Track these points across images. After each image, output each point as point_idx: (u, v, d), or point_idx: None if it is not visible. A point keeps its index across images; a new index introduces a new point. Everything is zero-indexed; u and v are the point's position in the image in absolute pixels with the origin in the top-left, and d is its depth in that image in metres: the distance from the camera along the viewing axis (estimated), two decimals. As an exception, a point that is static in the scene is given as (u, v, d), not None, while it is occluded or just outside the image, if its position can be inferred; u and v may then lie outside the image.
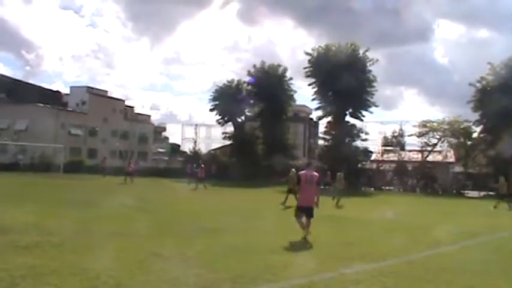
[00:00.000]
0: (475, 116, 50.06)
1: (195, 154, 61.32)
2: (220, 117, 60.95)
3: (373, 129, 57.95)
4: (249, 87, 59.62)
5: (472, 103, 49.45)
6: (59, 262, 8.95)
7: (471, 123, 51.13)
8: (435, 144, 53.27)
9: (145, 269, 8.85)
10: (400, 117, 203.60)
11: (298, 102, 66.45)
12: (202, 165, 39.77)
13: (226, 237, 13.28)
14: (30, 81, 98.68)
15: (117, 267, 8.82)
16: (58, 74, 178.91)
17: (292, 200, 23.08)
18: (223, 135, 63.58)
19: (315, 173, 14.38)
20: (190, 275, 8.42)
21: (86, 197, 25.40)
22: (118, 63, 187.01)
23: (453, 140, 53.16)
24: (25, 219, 14.56)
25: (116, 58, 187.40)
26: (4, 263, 8.62)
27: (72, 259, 9.31)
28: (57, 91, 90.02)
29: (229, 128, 62.58)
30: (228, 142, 63.57)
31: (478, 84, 49.31)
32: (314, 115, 66.36)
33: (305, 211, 13.80)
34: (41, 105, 70.55)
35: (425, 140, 53.23)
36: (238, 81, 61.02)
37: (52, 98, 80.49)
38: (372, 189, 50.63)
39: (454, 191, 48.07)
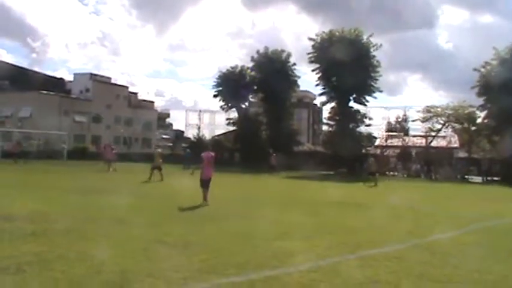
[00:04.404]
0: (479, 101, 49.82)
1: (199, 140, 61.26)
2: (224, 103, 60.90)
3: (377, 114, 57.95)
4: (253, 73, 59.41)
5: (477, 88, 49.18)
6: (65, 249, 8.97)
7: (475, 109, 50.89)
8: (439, 130, 53.08)
9: (150, 255, 8.88)
10: (404, 102, 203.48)
11: (302, 88, 66.48)
12: (113, 147, 41.80)
13: (231, 223, 13.30)
14: (35, 69, 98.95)
15: (122, 254, 8.84)
16: (64, 62, 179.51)
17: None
18: (227, 121, 63.59)
19: (212, 154, 18.55)
20: (194, 262, 8.42)
21: (91, 184, 25.44)
22: (123, 50, 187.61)
23: (457, 126, 52.96)
24: (31, 206, 14.58)
25: (121, 45, 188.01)
26: (10, 250, 8.65)
27: (78, 246, 9.32)
28: (61, 78, 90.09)
29: (233, 114, 62.57)
30: (232, 128, 63.59)
31: (482, 70, 49.01)
32: (318, 101, 66.18)
33: (207, 182, 17.62)
34: (45, 92, 70.59)
35: (430, 126, 53.03)
36: (242, 67, 60.85)
37: (56, 85, 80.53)
38: (376, 174, 50.59)
39: (458, 176, 47.99)
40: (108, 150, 40.21)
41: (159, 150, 30.75)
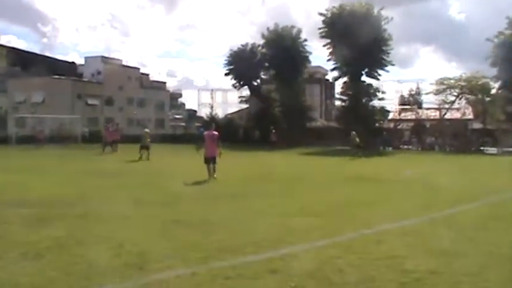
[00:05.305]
0: (493, 72, 49.33)
1: (212, 119, 61.29)
2: (235, 81, 60.87)
3: (390, 88, 57.51)
4: (263, 50, 59.30)
5: (490, 59, 48.69)
6: (83, 232, 9.06)
7: (489, 79, 50.43)
8: (453, 102, 52.67)
9: (168, 236, 8.94)
10: (416, 75, 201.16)
11: (313, 63, 66.08)
12: (111, 128, 40.36)
13: (246, 201, 13.33)
14: (46, 54, 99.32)
15: (140, 235, 8.92)
16: (74, 45, 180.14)
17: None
18: (240, 99, 63.62)
19: (215, 132, 19.89)
20: (213, 240, 8.47)
21: (105, 166, 25.59)
22: (133, 31, 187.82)
23: (471, 97, 52.52)
24: (47, 191, 14.74)
25: (131, 26, 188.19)
26: (29, 235, 8.74)
27: (96, 229, 9.42)
28: (72, 62, 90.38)
29: (246, 91, 62.58)
30: (244, 106, 63.60)
31: (495, 40, 48.44)
32: (330, 76, 65.97)
33: (211, 160, 19.02)
34: (57, 77, 70.83)
35: (443, 98, 52.62)
36: (253, 44, 60.72)
37: (67, 69, 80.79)
38: (390, 148, 50.45)
39: (473, 148, 47.70)
40: (107, 132, 39.46)
41: (147, 130, 31.98)
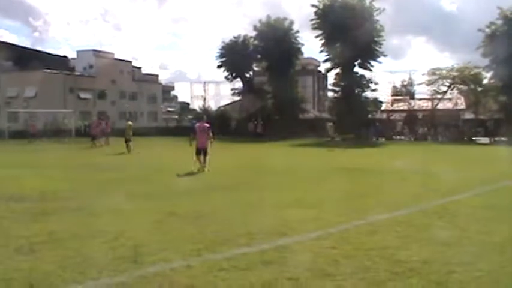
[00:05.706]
0: (485, 62, 49.58)
1: (205, 111, 61.24)
2: (228, 73, 60.84)
3: (382, 79, 57.73)
4: (256, 42, 59.27)
5: (481, 49, 48.87)
6: (77, 226, 9.06)
7: (481, 70, 50.61)
8: (445, 92, 52.92)
9: (162, 228, 8.95)
10: (409, 66, 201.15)
11: (306, 55, 66.04)
12: (96, 123, 40.71)
13: (241, 193, 13.37)
14: (38, 48, 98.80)
15: (134, 228, 8.92)
16: (66, 39, 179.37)
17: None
18: (232, 92, 63.61)
19: (206, 124, 20.35)
20: (207, 232, 8.50)
21: (98, 160, 25.56)
22: (125, 25, 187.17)
23: (463, 87, 52.76)
24: (41, 185, 14.69)
25: (123, 20, 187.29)
26: (23, 230, 8.72)
27: (90, 222, 9.43)
28: (64, 56, 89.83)
29: (238, 84, 62.56)
30: (237, 98, 63.60)
31: (487, 30, 48.64)
32: (322, 67, 65.93)
33: (202, 151, 19.25)
34: (49, 71, 70.47)
35: (435, 88, 52.92)
36: (245, 36, 60.67)
37: (59, 63, 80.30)
38: (383, 139, 50.55)
39: (465, 138, 47.88)
40: (93, 126, 40.16)
41: (130, 123, 32.48)
